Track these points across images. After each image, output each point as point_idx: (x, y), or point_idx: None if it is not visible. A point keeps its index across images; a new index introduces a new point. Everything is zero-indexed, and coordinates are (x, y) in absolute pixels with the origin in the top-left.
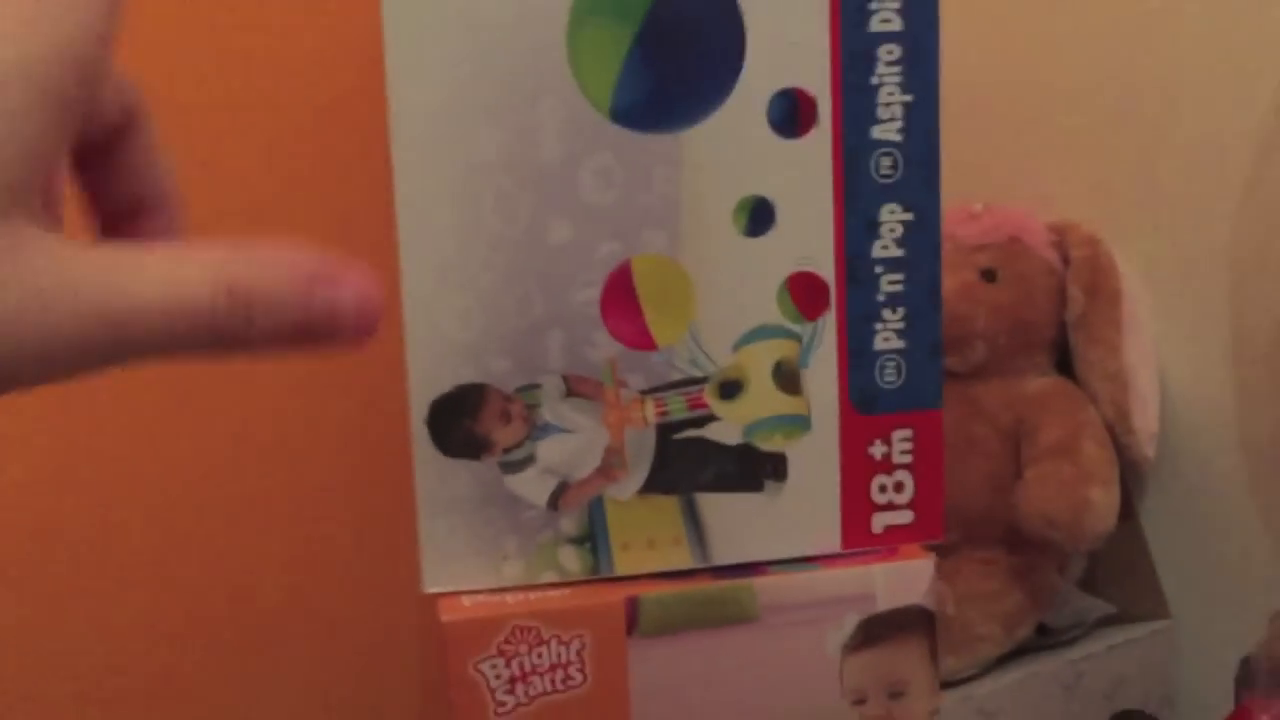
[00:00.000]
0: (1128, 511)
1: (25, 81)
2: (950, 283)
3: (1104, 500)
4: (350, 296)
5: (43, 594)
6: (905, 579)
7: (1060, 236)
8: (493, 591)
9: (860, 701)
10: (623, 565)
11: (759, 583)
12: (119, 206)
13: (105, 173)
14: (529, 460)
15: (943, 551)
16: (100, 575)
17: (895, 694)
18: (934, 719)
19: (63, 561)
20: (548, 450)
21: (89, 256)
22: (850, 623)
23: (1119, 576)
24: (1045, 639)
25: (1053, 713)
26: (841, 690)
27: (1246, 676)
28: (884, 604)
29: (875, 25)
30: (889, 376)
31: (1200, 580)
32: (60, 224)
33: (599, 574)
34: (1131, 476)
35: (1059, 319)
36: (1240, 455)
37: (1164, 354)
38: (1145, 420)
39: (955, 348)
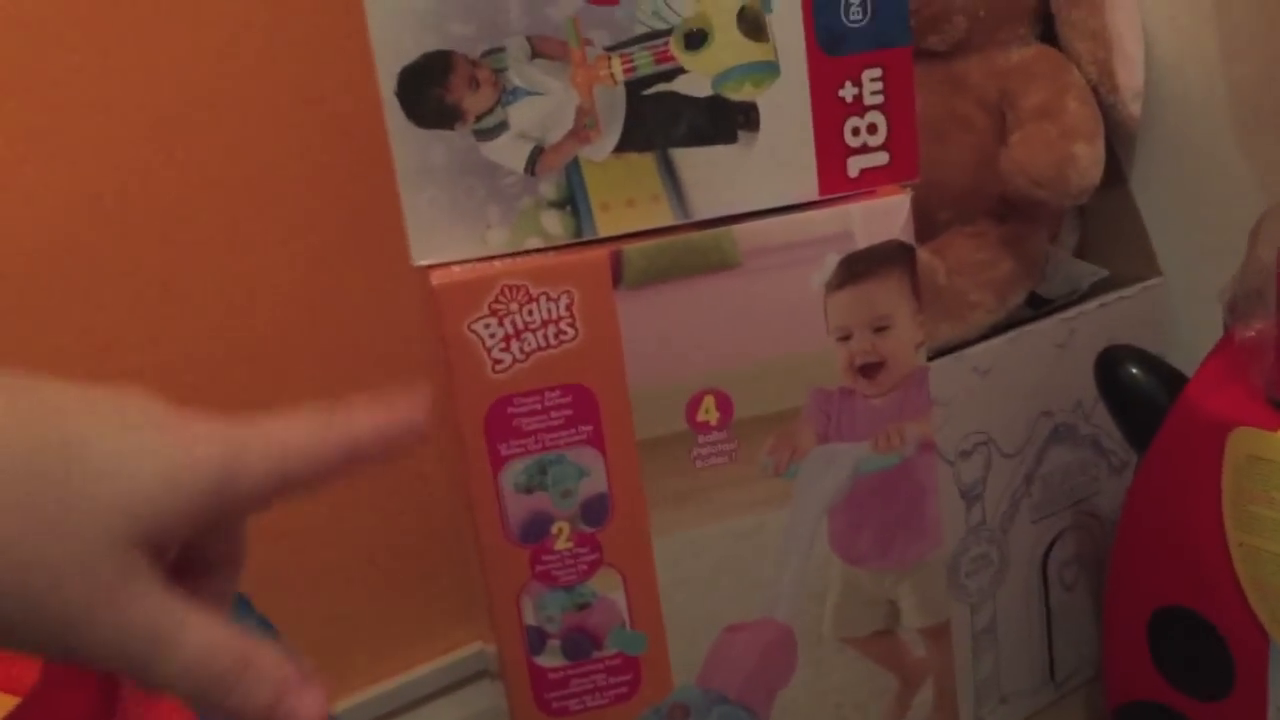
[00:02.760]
0: (1117, 176)
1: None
2: None
3: (1088, 154)
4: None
5: None
6: (882, 216)
7: None
8: (481, 260)
9: (845, 338)
10: (605, 226)
11: (739, 229)
12: (191, 554)
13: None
14: (502, 126)
15: (933, 229)
16: None
17: (879, 328)
18: (920, 351)
19: None
20: (519, 114)
21: (156, 599)
22: (831, 262)
23: (1110, 242)
24: (1037, 310)
25: (1046, 367)
26: (827, 328)
27: (1227, 306)
28: (862, 241)
29: None
30: (855, 15)
31: (1189, 236)
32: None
33: (582, 236)
34: (1119, 139)
35: None
36: (1226, 108)
37: (1147, 9)
38: (1130, 78)
39: (934, 25)
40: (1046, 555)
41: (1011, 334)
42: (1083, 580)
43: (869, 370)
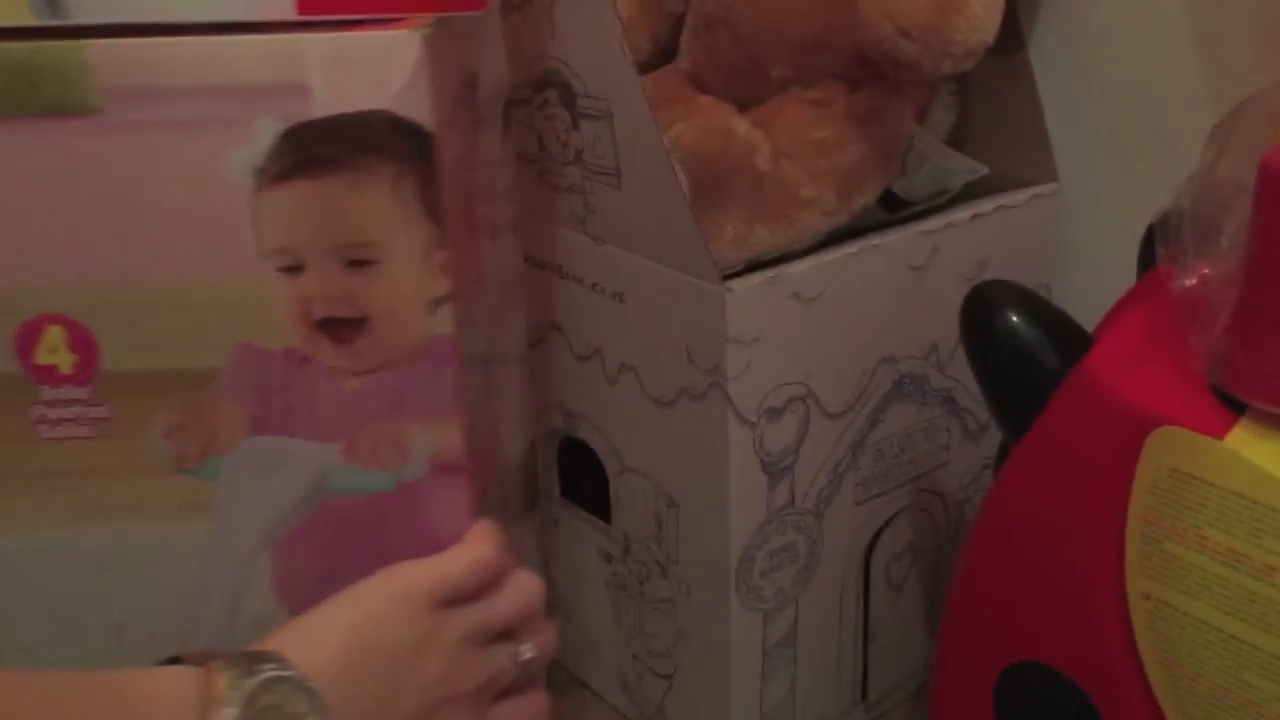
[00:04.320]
0: (1010, 39)
1: None
2: None
3: None
4: None
5: None
6: (365, 63)
7: None
8: None
9: (294, 268)
10: None
11: (97, 47)
12: None
13: None
14: None
15: (760, 90)
16: None
17: (357, 261)
18: (440, 311)
19: None
20: None
21: None
22: (267, 132)
23: (995, 129)
24: (893, 214)
25: (894, 297)
26: (259, 246)
27: (1162, 236)
28: (323, 105)
29: None
30: None
31: (1100, 133)
32: None
33: None
34: None
35: None
36: None
37: None
38: None
39: None
40: (871, 546)
41: (851, 246)
42: (914, 578)
43: (339, 329)
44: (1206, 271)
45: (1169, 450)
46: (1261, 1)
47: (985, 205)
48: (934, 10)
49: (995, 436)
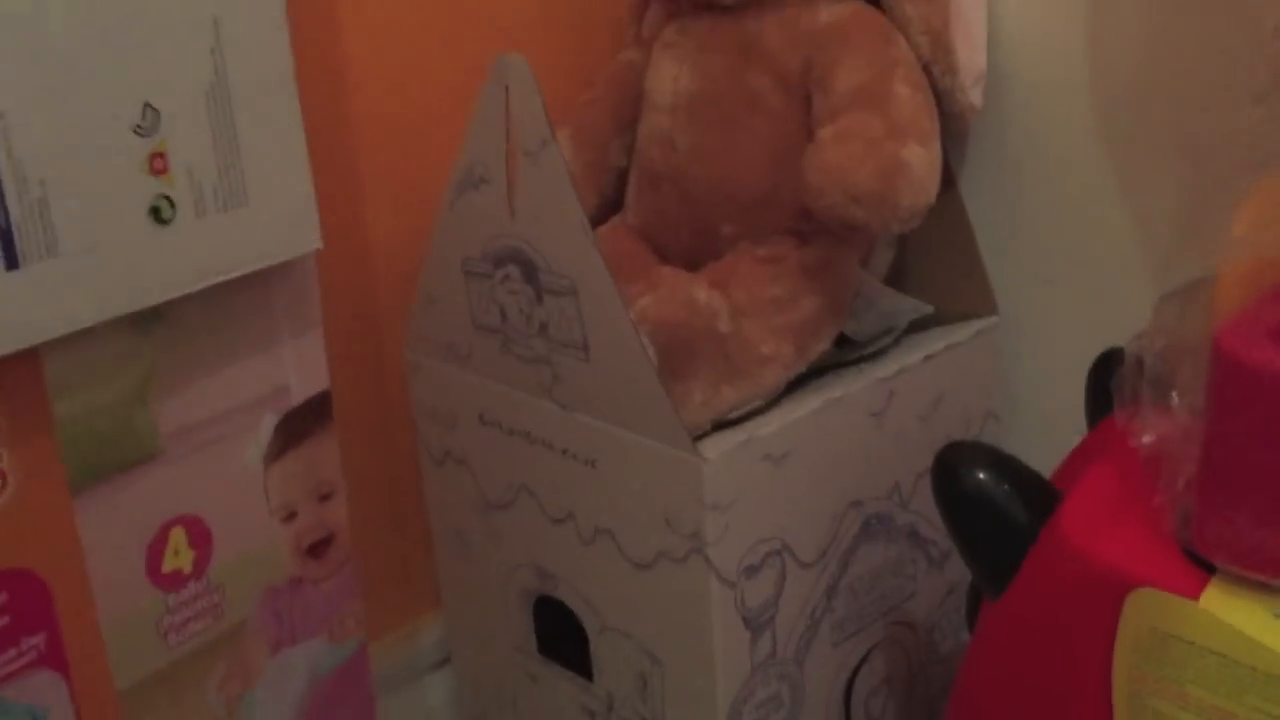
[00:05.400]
0: (946, 178)
1: None
2: None
3: (922, 161)
4: None
5: None
6: (315, 360)
7: None
8: None
9: (291, 516)
10: None
11: (158, 408)
12: None
13: None
14: None
15: (714, 247)
16: None
17: (324, 496)
18: None
19: None
20: None
21: None
22: (268, 425)
23: (935, 266)
24: (846, 353)
25: (857, 444)
26: (268, 510)
27: (1118, 380)
28: (297, 395)
29: None
30: None
31: (1034, 265)
32: None
33: None
34: (950, 131)
35: None
36: (1092, 94)
37: None
38: (970, 56)
39: None
40: (850, 684)
41: (813, 402)
42: (891, 709)
43: (318, 549)
44: (1165, 428)
45: (1148, 611)
46: (1184, 139)
47: (935, 345)
48: (880, 177)
49: (958, 562)
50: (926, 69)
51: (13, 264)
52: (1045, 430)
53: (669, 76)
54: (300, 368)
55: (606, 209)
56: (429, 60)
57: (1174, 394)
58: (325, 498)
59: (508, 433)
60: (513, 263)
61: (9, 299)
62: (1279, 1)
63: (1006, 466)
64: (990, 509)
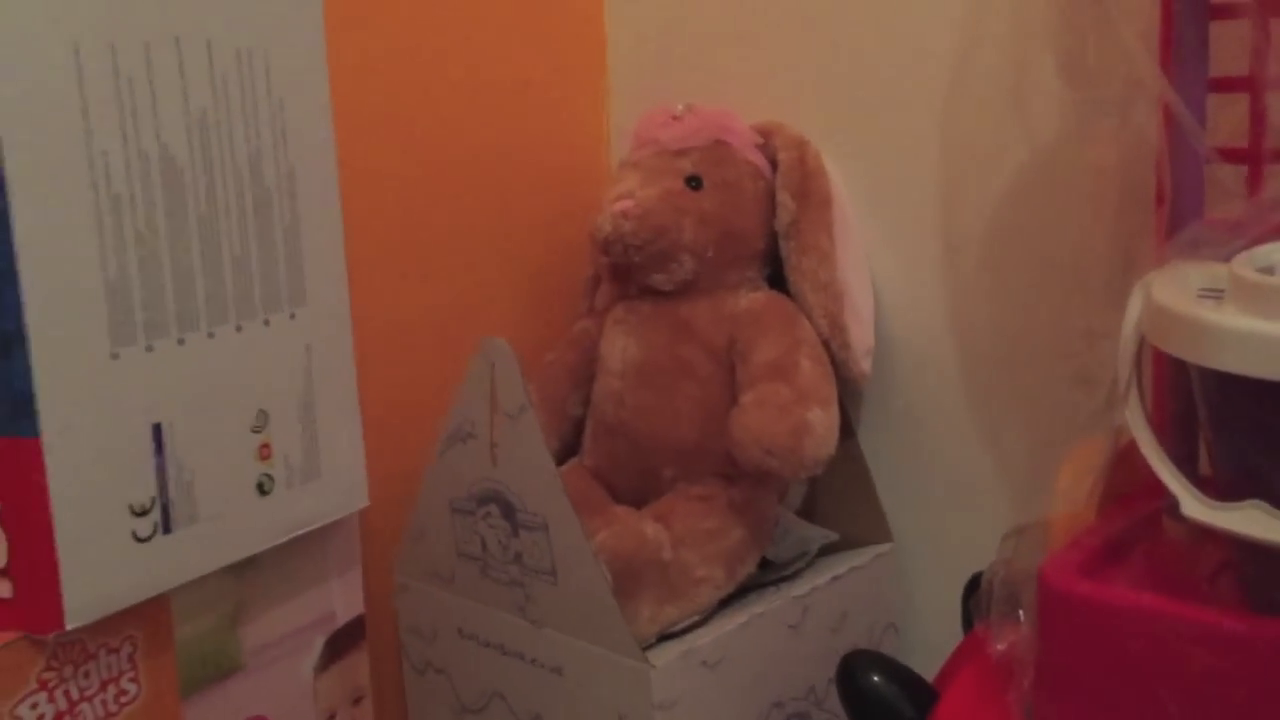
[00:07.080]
0: (845, 430)
1: None
2: (653, 191)
3: (824, 421)
4: None
5: None
6: (354, 589)
7: (766, 139)
8: None
9: (332, 717)
10: None
11: (244, 628)
12: None
13: None
14: None
15: (656, 486)
16: None
17: (357, 699)
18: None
19: None
20: None
21: None
22: (319, 644)
23: (839, 501)
24: (767, 574)
25: (778, 652)
26: (315, 712)
27: (977, 599)
28: (343, 617)
29: None
30: None
31: (920, 499)
32: None
33: None
34: (847, 393)
35: (769, 228)
36: (958, 366)
37: (875, 259)
38: (861, 334)
39: (660, 264)
40: None
41: (741, 616)
42: None
43: None
44: (1013, 638)
45: None
46: (1029, 404)
47: (840, 567)
48: (789, 435)
49: None
50: (826, 345)
51: (167, 529)
52: (937, 637)
53: (619, 347)
54: (343, 596)
55: (565, 451)
56: (423, 342)
57: (1020, 611)
58: (357, 701)
59: (483, 645)
60: (493, 502)
61: (162, 555)
62: (1091, 308)
63: (896, 671)
64: (882, 706)
